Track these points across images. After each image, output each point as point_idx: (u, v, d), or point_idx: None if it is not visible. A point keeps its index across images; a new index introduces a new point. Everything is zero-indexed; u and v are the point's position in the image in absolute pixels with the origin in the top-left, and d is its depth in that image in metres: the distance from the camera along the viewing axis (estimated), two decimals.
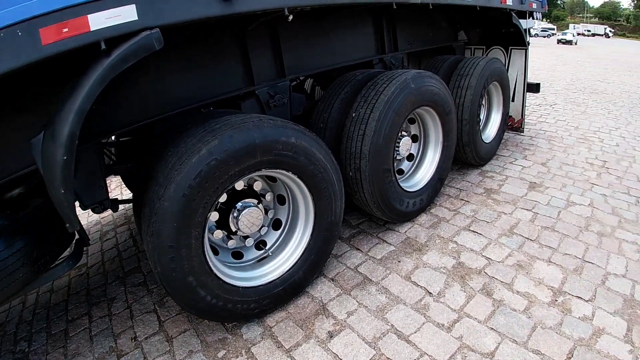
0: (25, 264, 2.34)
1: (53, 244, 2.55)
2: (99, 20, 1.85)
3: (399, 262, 3.23)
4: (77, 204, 2.54)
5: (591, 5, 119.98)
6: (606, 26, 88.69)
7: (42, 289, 4.09)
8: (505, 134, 6.16)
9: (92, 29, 1.85)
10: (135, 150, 3.64)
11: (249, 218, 2.73)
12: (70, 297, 3.78)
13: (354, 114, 3.19)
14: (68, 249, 2.88)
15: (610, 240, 3.42)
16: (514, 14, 5.44)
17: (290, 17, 2.71)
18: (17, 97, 2.27)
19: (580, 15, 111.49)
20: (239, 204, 2.73)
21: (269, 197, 2.97)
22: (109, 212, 5.10)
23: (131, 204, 3.40)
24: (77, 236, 2.89)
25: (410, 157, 3.88)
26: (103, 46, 1.88)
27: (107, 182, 3.46)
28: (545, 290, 2.87)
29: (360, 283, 3.07)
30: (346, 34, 3.80)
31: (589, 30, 77.92)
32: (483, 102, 4.98)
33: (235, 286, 2.63)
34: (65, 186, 1.96)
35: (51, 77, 2.25)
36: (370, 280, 3.08)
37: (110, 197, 2.88)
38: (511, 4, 5.06)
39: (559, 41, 42.38)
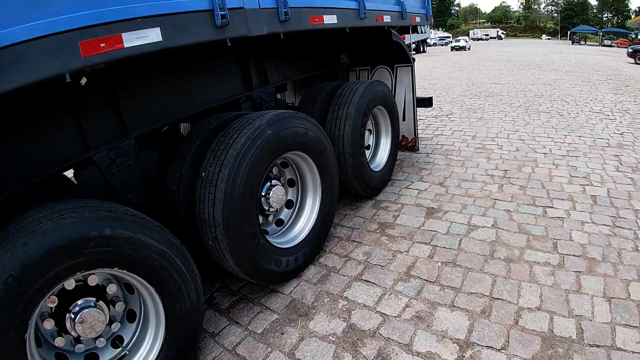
0: None
1: None
2: None
3: (282, 334, 2.76)
4: None
5: (483, 11, 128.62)
6: (498, 29, 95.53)
7: None
8: (401, 153, 5.95)
9: None
10: None
11: (89, 319, 2.24)
12: None
13: (203, 174, 2.70)
14: None
15: (519, 266, 3.15)
16: (393, 32, 5.25)
17: (84, 81, 2.24)
18: None
19: (474, 21, 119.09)
20: (77, 304, 2.24)
21: (112, 288, 2.43)
22: None
23: None
24: None
25: (289, 204, 3.44)
26: None
27: None
28: (449, 344, 2.51)
29: None
30: (204, 74, 3.33)
31: (487, 35, 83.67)
32: (370, 128, 4.68)
33: None
34: None
35: None
36: None
37: None
38: (389, 20, 4.83)
39: (452, 48, 44.41)
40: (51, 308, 2.21)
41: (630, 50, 23.45)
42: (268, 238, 3.01)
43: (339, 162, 3.75)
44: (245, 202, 2.67)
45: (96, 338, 2.37)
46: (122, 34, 2.05)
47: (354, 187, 4.11)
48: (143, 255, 2.21)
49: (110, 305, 2.42)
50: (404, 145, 5.87)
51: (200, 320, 2.60)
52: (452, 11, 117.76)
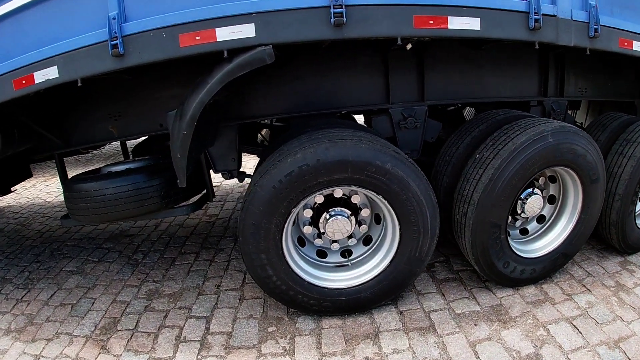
0: (156, 197, 3.02)
1: (181, 191, 3.14)
2: (224, 34, 2.28)
3: (475, 325, 2.92)
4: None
5: None
6: None
7: (175, 221, 5.05)
8: None
9: (218, 39, 2.29)
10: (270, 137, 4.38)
11: (337, 225, 2.86)
12: (191, 236, 4.69)
13: (477, 156, 2.97)
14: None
15: None
16: None
17: (409, 46, 2.83)
18: (164, 80, 3.03)
19: None
20: (333, 210, 2.87)
21: (365, 212, 3.01)
22: None
23: None
24: (205, 191, 3.53)
25: (541, 219, 3.44)
26: (225, 54, 2.31)
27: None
28: None
29: (424, 328, 2.90)
30: (502, 69, 3.56)
31: None
32: None
33: (301, 278, 2.88)
34: (181, 152, 2.46)
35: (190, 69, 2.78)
36: (435, 330, 2.87)
37: (241, 170, 3.59)
38: None
39: None
40: (310, 203, 2.89)
41: None
42: (508, 238, 3.14)
43: (606, 201, 3.51)
44: (505, 194, 2.86)
45: (334, 242, 3.03)
46: (449, 16, 2.47)
47: (609, 235, 3.77)
48: (405, 196, 2.68)
49: (357, 225, 2.99)
50: None
51: (418, 272, 3.00)
52: None
